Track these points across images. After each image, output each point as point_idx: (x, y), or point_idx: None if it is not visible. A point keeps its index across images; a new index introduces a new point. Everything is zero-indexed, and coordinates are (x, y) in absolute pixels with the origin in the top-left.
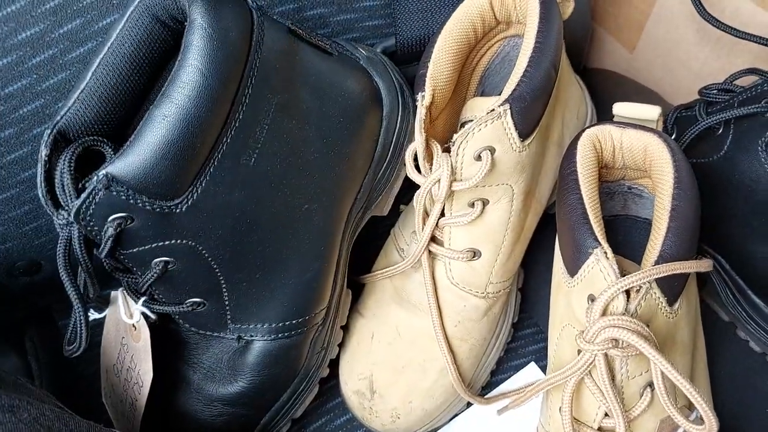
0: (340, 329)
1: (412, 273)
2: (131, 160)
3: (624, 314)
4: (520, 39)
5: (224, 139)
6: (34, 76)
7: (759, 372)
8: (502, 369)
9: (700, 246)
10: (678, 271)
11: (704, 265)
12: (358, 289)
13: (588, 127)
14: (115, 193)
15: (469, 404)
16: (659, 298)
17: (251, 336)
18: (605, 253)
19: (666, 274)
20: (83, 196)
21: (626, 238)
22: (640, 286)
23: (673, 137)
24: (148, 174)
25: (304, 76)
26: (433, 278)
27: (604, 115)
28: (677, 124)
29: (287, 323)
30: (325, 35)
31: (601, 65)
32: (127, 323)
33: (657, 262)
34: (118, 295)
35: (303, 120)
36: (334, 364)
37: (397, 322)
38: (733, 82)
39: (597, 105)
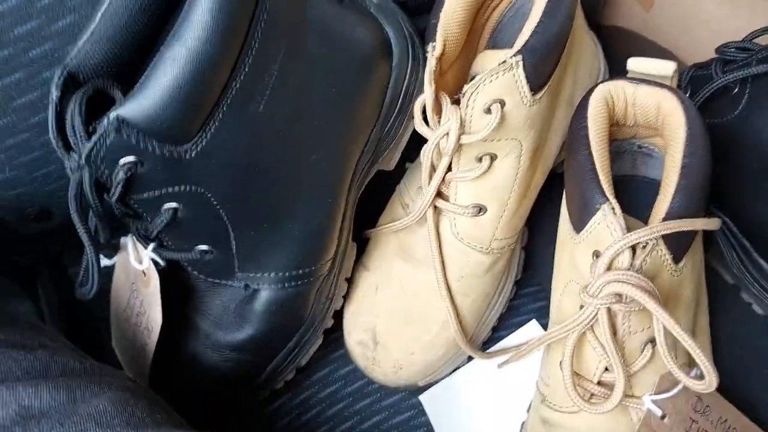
0: (345, 281)
1: (417, 228)
2: (141, 102)
3: (629, 269)
4: None
5: (234, 84)
6: (43, 17)
7: (761, 334)
8: (504, 325)
9: (707, 206)
10: (685, 228)
11: (712, 223)
12: (362, 244)
13: (601, 83)
14: (125, 136)
15: (470, 358)
16: (665, 254)
17: (258, 284)
18: (613, 209)
19: (673, 231)
20: (94, 138)
21: (633, 199)
22: (647, 242)
23: (687, 95)
24: (159, 116)
25: (313, 22)
26: (438, 233)
27: (617, 75)
28: (692, 83)
29: (294, 273)
30: None
31: (616, 24)
32: (137, 269)
33: (665, 219)
34: (128, 241)
35: (311, 67)
36: (338, 316)
37: (400, 276)
38: (753, 41)
39: (611, 64)
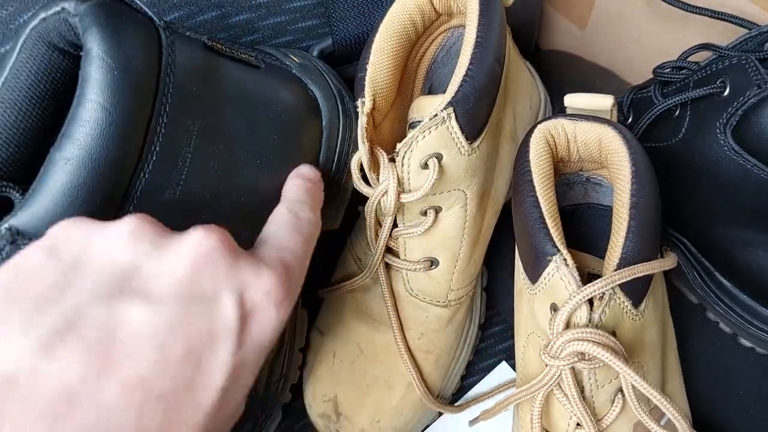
0: (299, 351)
1: (371, 285)
2: (35, 210)
3: (588, 325)
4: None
5: (142, 175)
6: None
7: (730, 353)
8: (473, 371)
9: (664, 229)
10: (641, 274)
11: (668, 263)
12: (316, 303)
13: (539, 123)
14: (22, 246)
15: (440, 413)
16: (624, 302)
17: None
18: (565, 260)
19: (629, 279)
20: None
21: (589, 228)
22: (603, 294)
23: (630, 120)
24: (56, 223)
25: (228, 96)
26: (392, 291)
27: (559, 99)
28: (633, 107)
29: None
30: (255, 41)
31: (553, 45)
32: None
33: (619, 266)
34: None
35: (231, 143)
36: (298, 386)
37: (358, 339)
38: (687, 59)
39: (551, 88)
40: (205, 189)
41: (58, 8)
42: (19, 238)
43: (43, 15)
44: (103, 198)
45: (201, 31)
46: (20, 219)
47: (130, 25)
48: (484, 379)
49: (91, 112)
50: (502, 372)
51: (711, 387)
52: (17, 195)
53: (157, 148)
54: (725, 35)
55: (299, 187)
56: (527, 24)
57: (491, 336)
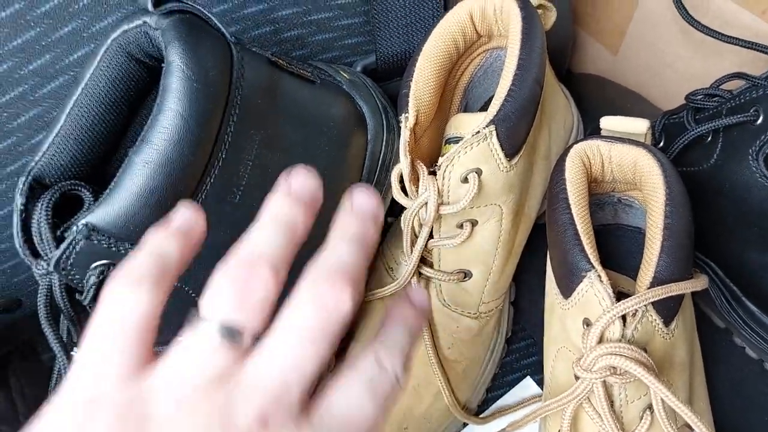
0: (334, 357)
1: (403, 294)
2: (112, 209)
3: (621, 340)
4: (503, 50)
5: (208, 180)
6: (4, 114)
7: (757, 379)
8: (498, 385)
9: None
10: (673, 293)
11: (700, 283)
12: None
13: (575, 143)
14: (96, 242)
15: (465, 424)
16: (656, 320)
17: None
18: (599, 276)
19: (661, 297)
20: (62, 246)
21: (618, 248)
22: (636, 310)
23: (661, 144)
24: (130, 222)
25: (287, 108)
26: None
27: (590, 122)
28: (665, 131)
29: None
30: (304, 56)
31: (585, 69)
32: None
33: (652, 284)
34: None
35: (287, 152)
36: None
37: None
38: (720, 86)
39: (583, 111)
40: (263, 195)
41: (140, 21)
42: (94, 234)
43: (125, 27)
44: (174, 200)
45: (256, 45)
46: (96, 216)
47: (207, 39)
48: (509, 393)
49: (170, 119)
50: (526, 386)
51: (737, 412)
52: (88, 194)
53: (224, 155)
54: (757, 64)
55: (404, 318)
56: (560, 47)
57: (517, 350)
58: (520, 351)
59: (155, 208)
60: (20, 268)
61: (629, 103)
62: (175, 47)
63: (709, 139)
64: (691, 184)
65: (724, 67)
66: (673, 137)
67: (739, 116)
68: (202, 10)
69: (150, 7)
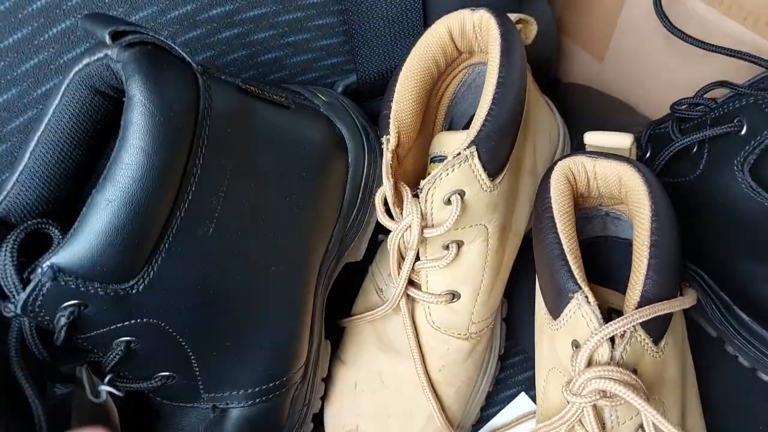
0: (321, 381)
1: (393, 316)
2: (77, 249)
3: (610, 363)
4: (484, 66)
5: (177, 214)
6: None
7: (749, 387)
8: (493, 402)
9: (681, 277)
10: (661, 312)
11: (688, 301)
12: (337, 332)
13: (560, 160)
14: (63, 282)
15: None
16: (645, 339)
17: (227, 403)
18: (587, 297)
19: (649, 317)
20: (28, 289)
21: (608, 261)
22: (624, 331)
23: (648, 155)
24: (97, 261)
25: (260, 135)
26: (414, 323)
27: (576, 133)
28: (651, 142)
29: (264, 387)
30: (282, 78)
31: (571, 76)
32: (95, 404)
33: (639, 304)
34: (83, 372)
35: (262, 181)
36: (319, 416)
37: (380, 369)
38: (704, 95)
39: (569, 122)
40: (238, 225)
41: (101, 54)
42: (60, 275)
43: (86, 60)
44: (141, 237)
45: (233, 71)
46: (61, 257)
47: (170, 71)
48: (503, 411)
49: (132, 156)
50: (521, 403)
51: (730, 421)
52: (57, 232)
53: (193, 188)
54: (741, 72)
55: None
56: (546, 57)
57: (511, 366)
58: (514, 366)
59: (121, 246)
60: None
61: (615, 112)
62: (135, 81)
63: (695, 149)
64: (678, 194)
65: (709, 74)
66: (660, 148)
67: (723, 127)
68: (164, 39)
69: (108, 40)
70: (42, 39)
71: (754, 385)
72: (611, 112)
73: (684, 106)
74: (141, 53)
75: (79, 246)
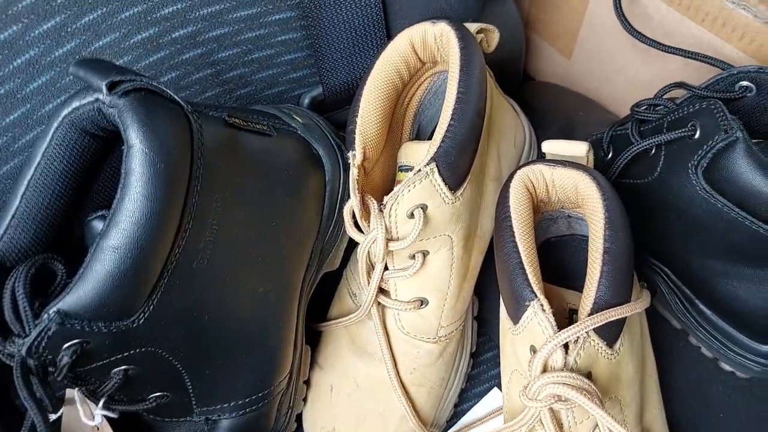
0: (303, 384)
1: (366, 321)
2: (83, 295)
3: (563, 369)
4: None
5: (176, 251)
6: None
7: (712, 377)
8: (466, 398)
9: (646, 258)
10: (613, 318)
11: (640, 305)
12: (314, 335)
13: (518, 168)
14: (68, 326)
15: None
16: (598, 344)
17: (218, 416)
18: (542, 305)
19: (601, 324)
20: (34, 333)
21: (573, 257)
22: (578, 338)
23: (609, 156)
24: (103, 305)
25: (246, 165)
26: (385, 328)
27: (543, 130)
28: (612, 143)
29: (253, 397)
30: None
31: (540, 73)
32: (88, 425)
33: (593, 310)
34: (75, 394)
35: (250, 207)
36: (299, 417)
37: (354, 373)
38: (663, 97)
39: (536, 121)
40: (231, 253)
41: (92, 98)
42: (67, 320)
43: (76, 104)
44: (146, 278)
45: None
46: (68, 302)
47: (166, 115)
48: (476, 406)
49: (137, 203)
50: (493, 398)
51: (693, 410)
52: (60, 267)
53: (190, 225)
54: (702, 70)
55: None
56: (514, 57)
57: (483, 362)
58: (487, 362)
59: (126, 289)
60: None
61: (582, 110)
62: (135, 130)
63: (653, 152)
64: (638, 195)
65: (672, 72)
66: (621, 148)
67: (677, 132)
68: (156, 84)
69: (105, 91)
70: (26, 91)
71: (716, 374)
72: (579, 110)
73: (643, 108)
74: (137, 100)
75: (86, 291)
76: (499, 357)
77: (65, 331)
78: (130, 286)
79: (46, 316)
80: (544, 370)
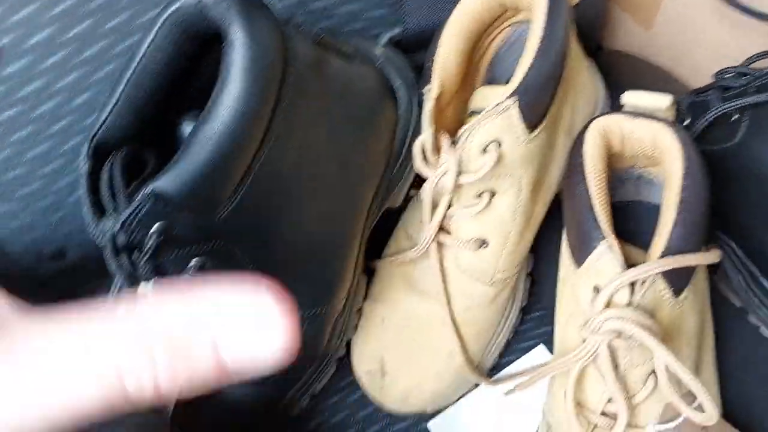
0: (356, 312)
1: (421, 260)
2: (177, 178)
3: (628, 306)
4: (528, 25)
5: (263, 151)
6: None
7: None
8: (511, 350)
9: (712, 232)
10: (683, 264)
11: (711, 257)
12: (369, 273)
13: (596, 117)
14: (160, 206)
15: (477, 385)
16: (664, 289)
17: None
18: (611, 245)
19: (671, 267)
20: (130, 207)
21: (638, 225)
22: (645, 279)
23: (687, 123)
24: (193, 191)
25: (331, 84)
26: (442, 267)
27: (618, 99)
28: (692, 110)
29: (311, 312)
30: (330, 27)
31: (617, 45)
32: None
33: (663, 255)
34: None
35: (331, 126)
36: (348, 343)
37: (406, 308)
38: (750, 65)
39: (612, 89)
40: (311, 165)
41: (195, 0)
42: (160, 200)
43: (177, 5)
44: (235, 172)
45: (283, 16)
46: (162, 183)
47: (265, 18)
48: (520, 359)
49: (235, 93)
50: (539, 354)
51: (746, 388)
52: (152, 157)
53: (277, 130)
54: None
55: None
56: (591, 23)
57: (531, 320)
58: (535, 320)
59: (218, 179)
60: (65, 220)
61: (660, 82)
62: (238, 25)
63: (735, 117)
64: (714, 162)
65: (757, 48)
66: (700, 116)
67: (766, 94)
68: None
69: None
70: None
71: None
72: (655, 82)
73: (729, 75)
74: (240, 2)
75: (180, 175)
76: (547, 318)
77: (156, 211)
78: (219, 176)
79: (141, 194)
80: (608, 306)
